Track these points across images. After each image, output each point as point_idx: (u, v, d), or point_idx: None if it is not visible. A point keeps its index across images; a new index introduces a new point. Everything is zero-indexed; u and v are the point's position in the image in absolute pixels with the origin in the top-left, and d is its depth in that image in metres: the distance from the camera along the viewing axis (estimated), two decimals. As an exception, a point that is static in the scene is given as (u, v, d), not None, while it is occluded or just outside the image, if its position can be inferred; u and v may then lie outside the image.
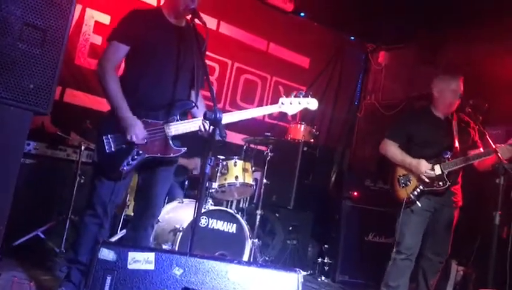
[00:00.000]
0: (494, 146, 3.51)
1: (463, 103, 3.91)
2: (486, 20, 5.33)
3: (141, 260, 2.13)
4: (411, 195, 3.88)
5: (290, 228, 5.30)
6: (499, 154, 3.39)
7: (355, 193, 5.45)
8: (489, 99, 4.57)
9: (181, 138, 2.98)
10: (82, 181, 4.32)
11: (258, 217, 4.68)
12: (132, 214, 3.71)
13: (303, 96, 3.11)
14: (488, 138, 3.60)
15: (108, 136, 2.84)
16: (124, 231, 3.96)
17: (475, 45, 5.67)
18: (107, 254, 2.04)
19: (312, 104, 3.13)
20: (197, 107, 3.02)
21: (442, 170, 3.82)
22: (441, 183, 3.82)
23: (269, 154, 4.78)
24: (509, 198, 3.43)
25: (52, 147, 4.48)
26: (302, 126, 5.57)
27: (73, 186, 4.30)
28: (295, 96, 3.11)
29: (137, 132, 2.82)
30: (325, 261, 5.31)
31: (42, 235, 4.15)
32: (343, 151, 7.04)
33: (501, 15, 5.13)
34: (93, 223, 2.91)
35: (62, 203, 4.43)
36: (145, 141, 2.87)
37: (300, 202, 5.28)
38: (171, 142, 2.93)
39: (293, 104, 3.10)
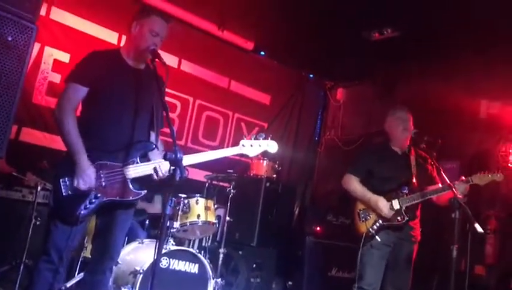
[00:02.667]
0: (448, 181, 3.63)
1: (418, 138, 4.05)
2: (440, 58, 5.61)
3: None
4: (370, 229, 3.94)
5: (254, 266, 5.25)
6: (454, 190, 3.50)
7: (318, 228, 5.48)
8: (444, 134, 4.75)
9: (141, 180, 2.94)
10: (38, 223, 4.16)
11: (221, 255, 4.63)
12: (90, 256, 3.59)
13: (263, 139, 3.15)
14: (443, 174, 3.72)
15: (66, 179, 2.77)
16: (82, 274, 3.82)
17: (429, 81, 5.93)
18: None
19: (272, 146, 3.18)
20: (158, 148, 3.00)
21: (400, 205, 3.90)
22: (399, 218, 3.90)
23: (232, 191, 4.78)
24: (465, 231, 3.52)
25: (7, 188, 4.34)
26: (265, 162, 5.61)
27: (29, 228, 4.14)
28: (255, 138, 3.15)
29: (86, 179, 2.75)
30: (289, 298, 5.26)
31: (-6, 281, 3.96)
32: (305, 186, 7.12)
33: (453, 53, 5.41)
34: (47, 269, 2.78)
35: (16, 247, 4.25)
36: (104, 184, 2.81)
37: (264, 239, 5.27)
38: (130, 185, 2.88)
39: (253, 147, 3.13)
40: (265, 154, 3.27)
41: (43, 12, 4.66)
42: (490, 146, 5.61)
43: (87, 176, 2.75)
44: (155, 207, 4.79)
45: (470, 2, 4.59)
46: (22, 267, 4.06)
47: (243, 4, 5.36)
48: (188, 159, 2.89)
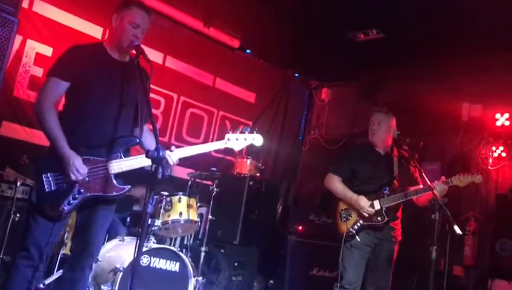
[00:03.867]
0: (429, 183, 3.67)
1: (400, 140, 4.08)
2: (423, 61, 5.67)
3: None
4: (351, 229, 3.97)
5: (236, 264, 5.25)
6: (434, 191, 3.54)
7: (300, 227, 5.50)
8: (426, 136, 4.81)
9: (124, 175, 2.91)
10: (17, 219, 4.09)
11: (203, 253, 4.61)
12: (69, 253, 3.55)
13: (248, 132, 3.14)
14: (424, 175, 3.76)
15: (48, 174, 2.73)
16: (61, 271, 3.77)
17: (413, 83, 6.00)
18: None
19: (257, 140, 3.17)
20: (142, 142, 2.97)
21: (381, 206, 3.93)
22: (379, 218, 3.93)
23: (215, 189, 4.76)
24: (445, 232, 3.57)
25: (-15, 183, 4.25)
26: (248, 160, 5.60)
27: (7, 224, 4.07)
28: (241, 132, 3.14)
29: (78, 169, 2.72)
30: (271, 297, 5.27)
31: (-30, 277, 3.87)
32: (289, 185, 7.13)
33: (437, 56, 5.47)
34: (26, 265, 2.74)
35: (-6, 243, 4.17)
36: (87, 179, 2.78)
37: (246, 237, 5.26)
38: (114, 180, 2.85)
39: (239, 140, 3.12)
40: (250, 148, 3.26)
41: (25, 4, 4.57)
42: (471, 148, 5.70)
43: (79, 166, 2.73)
44: (141, 191, 4.68)
45: (454, 7, 4.64)
46: (-1, 263, 3.99)
47: (229, 2, 5.35)
48: (174, 154, 2.87)
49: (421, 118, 5.63)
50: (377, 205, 3.93)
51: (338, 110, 7.25)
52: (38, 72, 4.87)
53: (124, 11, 2.93)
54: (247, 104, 6.81)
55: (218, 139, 6.49)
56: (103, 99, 2.87)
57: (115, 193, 2.87)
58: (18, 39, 4.61)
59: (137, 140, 2.96)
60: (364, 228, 3.95)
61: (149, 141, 3.01)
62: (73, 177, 2.72)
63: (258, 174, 5.63)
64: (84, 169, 2.75)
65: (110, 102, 2.88)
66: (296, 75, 7.34)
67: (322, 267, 5.38)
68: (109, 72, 2.91)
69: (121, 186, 2.88)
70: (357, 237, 3.93)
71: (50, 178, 2.74)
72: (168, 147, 2.85)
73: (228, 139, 3.11)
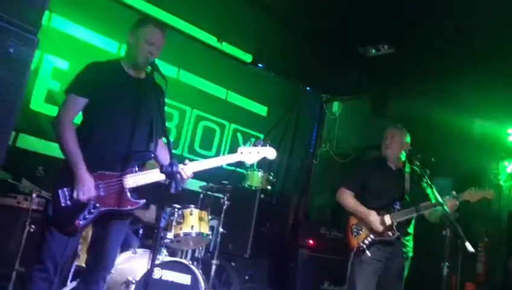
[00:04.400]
0: (440, 199, 3.66)
1: (412, 156, 4.09)
2: (435, 76, 5.68)
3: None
4: (361, 244, 3.96)
5: (246, 277, 5.26)
6: (445, 207, 3.54)
7: (311, 241, 5.50)
8: (438, 152, 4.80)
9: (139, 190, 2.96)
10: (32, 230, 4.15)
11: (214, 266, 4.63)
12: (83, 265, 3.59)
13: (261, 146, 3.16)
14: (435, 192, 3.76)
15: (64, 189, 2.78)
16: (74, 282, 3.82)
17: (424, 98, 6.00)
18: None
19: (270, 153, 3.18)
20: (156, 157, 3.02)
21: (392, 220, 3.93)
22: (390, 233, 3.93)
23: (226, 202, 4.79)
24: (456, 248, 3.56)
25: (2, 194, 4.32)
26: (260, 173, 5.63)
27: (22, 235, 4.14)
28: (254, 145, 3.16)
29: (86, 191, 2.76)
30: (281, 310, 5.27)
31: (-15, 288, 3.94)
32: (300, 198, 7.13)
33: (449, 71, 5.48)
34: (41, 278, 2.79)
35: (9, 253, 4.24)
36: (102, 193, 2.83)
37: (257, 251, 5.27)
38: (128, 194, 2.90)
39: (252, 154, 3.14)
40: (263, 161, 3.26)
41: (44, 20, 4.67)
42: (483, 164, 5.68)
43: (87, 188, 2.77)
44: (150, 214, 4.76)
45: (466, 23, 4.66)
46: (14, 275, 4.04)
47: (242, 17, 5.43)
48: (187, 168, 2.92)
49: (433, 133, 5.62)
50: (388, 219, 3.93)
51: (349, 124, 7.27)
52: (55, 86, 4.96)
53: (139, 29, 3.01)
54: (259, 117, 6.88)
55: (230, 152, 6.58)
56: (119, 115, 2.94)
57: (129, 207, 2.91)
58: (36, 53, 4.71)
59: (152, 155, 3.01)
60: (375, 243, 3.95)
61: (163, 155, 3.06)
62: (79, 198, 2.76)
63: (269, 187, 5.65)
64: (91, 192, 2.78)
65: (126, 118, 2.95)
66: (308, 88, 7.38)
67: (332, 281, 5.37)
68: (125, 88, 2.98)
69: (135, 201, 2.93)
70: (367, 251, 3.92)
71: (66, 193, 2.79)
72: (180, 159, 2.90)
73: (241, 153, 3.13)
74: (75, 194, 2.76)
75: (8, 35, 2.19)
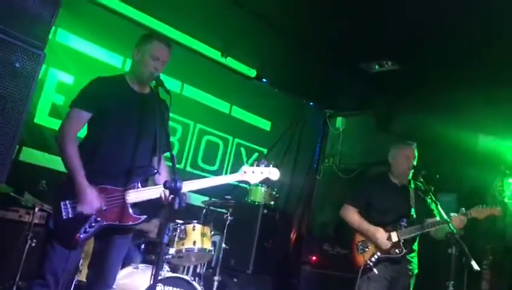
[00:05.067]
0: (445, 216, 3.63)
1: (416, 172, 4.07)
2: (439, 92, 5.68)
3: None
4: (368, 262, 3.93)
5: (249, 294, 5.21)
6: (450, 225, 3.51)
7: (314, 258, 5.46)
8: (441, 167, 4.78)
9: (141, 205, 2.95)
10: (33, 244, 4.13)
11: (216, 283, 4.59)
12: (84, 280, 3.57)
13: (265, 166, 3.16)
14: (440, 208, 3.73)
15: (67, 201, 2.78)
16: (75, 298, 3.79)
17: (428, 114, 5.98)
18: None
19: (274, 174, 3.18)
20: (159, 174, 3.02)
21: (398, 238, 3.90)
22: (397, 250, 3.90)
23: (229, 217, 4.76)
24: (461, 266, 3.52)
25: (4, 208, 4.31)
26: (263, 188, 5.61)
27: (23, 249, 4.11)
28: (257, 165, 3.16)
29: (89, 204, 2.77)
30: (284, 328, 5.21)
31: (-15, 303, 3.91)
32: (303, 214, 7.09)
33: (452, 87, 5.48)
34: (42, 293, 2.78)
35: (10, 267, 4.20)
36: (104, 207, 2.82)
37: (260, 266, 5.23)
38: (130, 209, 2.89)
39: (255, 173, 3.13)
40: (266, 181, 3.25)
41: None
42: (487, 180, 5.64)
43: (90, 200, 2.77)
44: (151, 227, 4.73)
45: (469, 39, 4.67)
46: (14, 288, 4.01)
47: (246, 32, 5.46)
48: (188, 186, 2.91)
49: (437, 148, 5.59)
50: (394, 237, 3.90)
51: (353, 139, 7.25)
52: (60, 99, 4.98)
53: (145, 45, 3.03)
54: (262, 132, 6.87)
55: (233, 166, 6.55)
56: (122, 130, 2.94)
57: (131, 223, 2.90)
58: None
59: (155, 170, 3.00)
60: (381, 260, 3.92)
61: (161, 172, 3.06)
62: (84, 211, 2.76)
63: (272, 203, 5.62)
64: (96, 204, 2.78)
65: (129, 133, 2.95)
66: (311, 103, 7.39)
67: (336, 298, 5.31)
68: (129, 103, 2.99)
69: (137, 216, 2.92)
70: (374, 269, 3.89)
71: (68, 205, 2.79)
72: (183, 174, 2.89)
73: (244, 172, 3.13)
74: (78, 207, 2.75)
75: (14, 50, 2.21)
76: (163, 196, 2.83)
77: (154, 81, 2.97)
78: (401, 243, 3.90)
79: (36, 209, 4.19)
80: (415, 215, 4.00)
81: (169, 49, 3.07)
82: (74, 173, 2.80)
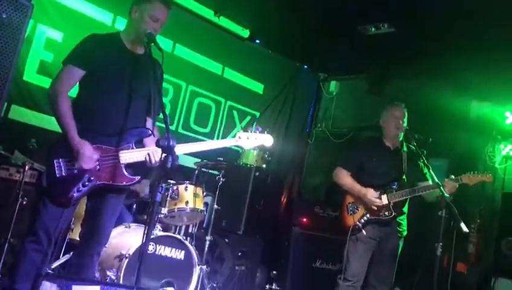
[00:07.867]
0: (437, 180, 3.66)
1: (409, 136, 4.08)
2: (434, 57, 5.62)
3: (85, 293, 2.05)
4: (357, 223, 3.99)
5: (239, 254, 5.26)
6: (442, 189, 3.54)
7: (305, 219, 5.51)
8: (434, 132, 4.79)
9: (135, 166, 2.92)
10: (24, 203, 4.11)
11: (207, 242, 4.63)
12: (76, 238, 3.58)
13: (259, 132, 3.15)
14: (432, 172, 3.75)
15: (60, 160, 2.75)
16: (67, 255, 3.81)
17: (421, 79, 5.96)
18: (48, 288, 1.95)
19: (268, 141, 3.17)
20: (154, 135, 2.98)
21: (388, 200, 3.94)
22: (386, 213, 3.95)
23: (221, 179, 4.77)
24: (450, 229, 3.57)
25: (-7, 166, 4.27)
26: (255, 151, 5.59)
27: (15, 207, 4.09)
28: (252, 131, 3.14)
29: (88, 158, 2.74)
30: (273, 287, 5.30)
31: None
32: (294, 177, 7.12)
33: (447, 53, 5.42)
34: (35, 250, 2.76)
35: (1, 225, 4.20)
36: (98, 167, 2.79)
37: (250, 228, 5.27)
38: (124, 170, 2.86)
39: (249, 139, 3.13)
40: (259, 147, 3.26)
41: (37, -12, 4.55)
42: (478, 146, 5.68)
43: (89, 156, 2.74)
44: (143, 188, 4.72)
45: (467, 2, 4.59)
46: (6, 246, 4.02)
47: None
48: (182, 149, 2.89)
49: (430, 114, 5.59)
50: (384, 199, 3.94)
51: (346, 104, 7.22)
52: (49, 57, 4.86)
53: (143, 3, 2.93)
54: (255, 95, 6.79)
55: (225, 129, 6.50)
56: (115, 89, 2.88)
57: (124, 183, 2.89)
58: (29, 23, 4.60)
59: (150, 132, 2.96)
60: (370, 222, 3.97)
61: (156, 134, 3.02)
62: (84, 166, 2.72)
63: (264, 165, 5.62)
64: (94, 157, 2.76)
65: (122, 92, 2.90)
66: (305, 66, 7.30)
67: (325, 259, 5.40)
68: (123, 63, 2.92)
69: (131, 177, 2.90)
70: (363, 230, 3.96)
71: (61, 164, 2.76)
72: (175, 136, 2.87)
73: (239, 137, 3.13)
74: (77, 163, 2.72)
75: (1, 0, 2.13)
76: (147, 158, 2.80)
77: (146, 38, 2.89)
78: (390, 206, 3.94)
79: (26, 167, 4.15)
80: (406, 180, 4.03)
81: (169, 10, 2.99)
82: (69, 129, 2.75)
